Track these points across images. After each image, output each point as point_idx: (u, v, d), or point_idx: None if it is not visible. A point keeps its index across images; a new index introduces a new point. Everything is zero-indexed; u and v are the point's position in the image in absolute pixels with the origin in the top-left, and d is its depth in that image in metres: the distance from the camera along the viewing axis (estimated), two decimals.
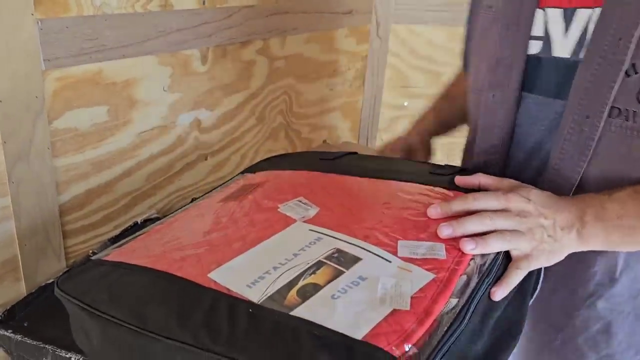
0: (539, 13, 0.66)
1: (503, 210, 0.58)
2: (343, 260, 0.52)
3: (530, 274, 0.61)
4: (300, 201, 0.66)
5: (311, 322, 0.44)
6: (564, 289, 0.69)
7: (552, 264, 0.59)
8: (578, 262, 0.65)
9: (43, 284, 0.83)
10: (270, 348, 0.43)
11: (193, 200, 0.77)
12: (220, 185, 0.79)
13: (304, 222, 0.61)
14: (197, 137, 1.08)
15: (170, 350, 0.46)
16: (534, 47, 0.67)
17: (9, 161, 0.76)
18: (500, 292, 0.55)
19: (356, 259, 0.52)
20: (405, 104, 1.62)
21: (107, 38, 0.85)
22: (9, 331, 0.74)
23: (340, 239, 0.56)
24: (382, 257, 0.53)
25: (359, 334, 0.43)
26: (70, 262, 0.90)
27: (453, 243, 0.55)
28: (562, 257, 0.59)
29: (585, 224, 0.58)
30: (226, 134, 1.16)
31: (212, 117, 1.10)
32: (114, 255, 0.61)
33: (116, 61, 0.88)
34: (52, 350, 0.69)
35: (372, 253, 0.53)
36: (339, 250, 0.54)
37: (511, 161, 0.71)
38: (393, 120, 1.67)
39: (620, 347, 0.69)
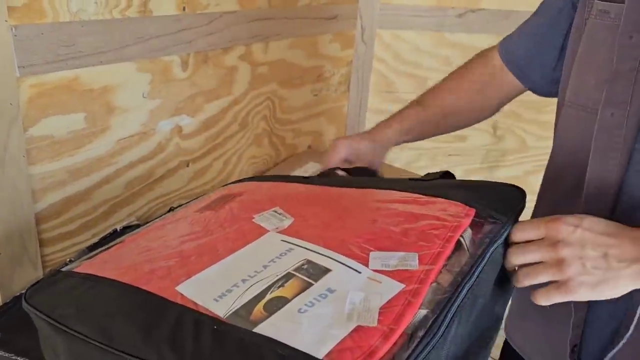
0: None
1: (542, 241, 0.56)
2: (312, 272, 0.52)
3: (505, 276, 0.61)
4: (275, 211, 0.66)
5: (275, 340, 0.44)
6: None
7: (602, 297, 0.55)
8: None
9: (18, 294, 0.81)
10: None
11: (171, 209, 0.77)
12: (199, 197, 0.79)
13: (278, 232, 0.61)
14: (178, 144, 1.07)
15: None
16: None
17: None
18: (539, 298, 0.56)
19: (326, 270, 0.52)
20: (390, 108, 1.62)
21: (84, 44, 0.84)
22: None
23: (311, 250, 0.56)
24: (353, 268, 0.52)
25: (322, 352, 0.42)
26: (47, 270, 0.89)
27: (427, 252, 0.54)
28: (618, 292, 0.55)
29: None
30: (208, 141, 1.15)
31: (194, 123, 1.10)
32: (84, 267, 0.61)
33: (93, 68, 0.87)
34: None
35: (343, 264, 0.53)
36: (309, 262, 0.53)
37: (623, 192, 0.63)
38: None
39: None
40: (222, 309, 0.48)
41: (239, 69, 1.17)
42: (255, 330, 0.45)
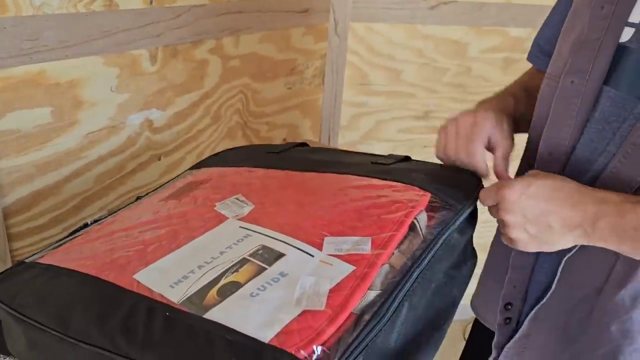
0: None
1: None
2: (267, 257, 0.53)
3: (461, 261, 0.62)
4: (237, 199, 0.67)
5: (223, 325, 0.45)
6: (586, 304, 0.67)
7: (545, 250, 0.61)
8: (608, 281, 0.64)
9: None
10: (183, 352, 0.43)
11: (138, 198, 0.77)
12: (167, 182, 0.79)
13: (237, 219, 0.62)
14: (148, 137, 1.08)
15: (90, 355, 0.47)
16: (625, 35, 0.60)
17: None
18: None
19: (280, 255, 0.53)
20: (365, 101, 1.63)
21: (49, 38, 0.84)
22: None
23: (267, 235, 0.57)
24: (306, 252, 0.53)
25: (268, 336, 0.43)
26: None
27: (380, 235, 0.56)
28: (557, 249, 0.60)
29: (596, 229, 0.56)
30: (180, 134, 1.15)
31: (164, 117, 1.10)
32: (47, 257, 0.61)
33: (59, 62, 0.87)
34: None
35: (297, 248, 0.54)
36: (264, 247, 0.55)
37: (573, 158, 0.65)
38: (354, 117, 1.68)
39: None
40: (176, 296, 0.49)
41: (209, 62, 1.18)
42: (207, 315, 0.46)
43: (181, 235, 0.59)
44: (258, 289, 0.49)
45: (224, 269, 0.52)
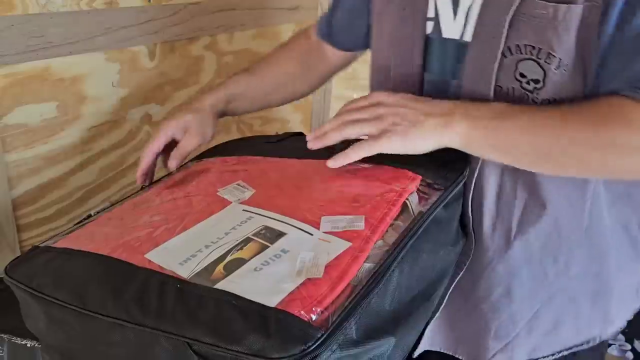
0: None
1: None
2: (269, 236, 0.57)
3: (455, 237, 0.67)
4: (238, 184, 0.71)
5: (231, 293, 0.49)
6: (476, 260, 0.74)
7: (415, 148, 0.65)
8: (479, 225, 0.72)
9: None
10: (194, 318, 0.47)
11: (142, 188, 0.81)
12: (168, 174, 0.83)
13: (240, 203, 0.66)
14: (148, 132, 1.11)
15: (108, 326, 0.51)
16: (429, 28, 0.72)
17: None
18: (332, 162, 0.67)
19: (281, 234, 0.57)
20: (355, 95, 1.68)
21: (54, 35, 0.88)
22: None
23: (269, 217, 0.61)
24: (305, 231, 0.58)
25: (273, 302, 0.47)
26: None
27: (374, 214, 0.60)
28: (426, 143, 0.65)
29: (453, 116, 0.64)
30: None
31: (163, 111, 1.14)
32: (60, 242, 0.65)
33: (63, 58, 0.91)
34: (7, 338, 0.72)
35: (297, 228, 0.58)
36: (266, 227, 0.59)
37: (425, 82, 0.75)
38: None
39: (520, 307, 0.75)
40: (186, 272, 0.53)
41: (205, 58, 1.21)
42: (215, 287, 0.50)
43: (187, 219, 0.63)
44: (262, 263, 0.53)
45: (229, 247, 0.56)
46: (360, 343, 0.49)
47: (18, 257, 0.64)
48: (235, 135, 1.39)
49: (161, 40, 1.08)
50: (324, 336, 0.44)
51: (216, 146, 0.93)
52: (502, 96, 0.66)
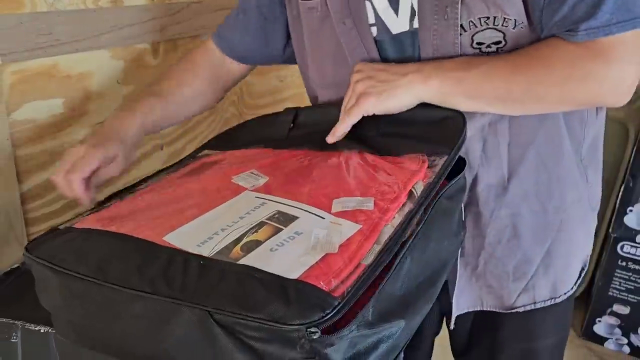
0: (367, 5, 0.75)
1: None
2: (282, 220, 0.59)
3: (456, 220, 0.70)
4: (252, 172, 0.73)
5: (252, 267, 0.51)
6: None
7: (393, 105, 0.71)
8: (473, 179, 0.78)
9: (8, 269, 0.87)
10: (217, 290, 0.49)
11: (159, 172, 0.82)
12: (183, 160, 0.85)
13: (253, 190, 0.68)
14: None
15: (130, 298, 0.52)
16: (374, 32, 0.76)
17: None
18: (330, 138, 0.74)
19: (294, 218, 0.60)
20: None
21: (61, 33, 0.90)
22: None
23: (281, 203, 0.63)
24: (317, 215, 0.60)
25: (293, 275, 0.50)
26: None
27: (382, 197, 0.62)
28: (402, 100, 0.71)
29: (424, 72, 0.70)
30: (180, 125, 1.21)
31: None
32: (78, 224, 0.67)
33: (70, 55, 0.93)
34: (21, 325, 0.74)
35: (308, 212, 0.61)
36: (279, 212, 0.61)
37: None
38: None
39: (530, 245, 0.80)
40: (204, 251, 0.55)
41: None
42: (237, 262, 0.53)
43: (202, 206, 0.65)
44: (277, 244, 0.55)
45: (244, 230, 0.58)
46: (374, 325, 0.51)
47: (37, 237, 0.65)
48: None
49: (164, 38, 1.10)
50: (341, 304, 0.46)
51: (220, 135, 0.94)
52: None
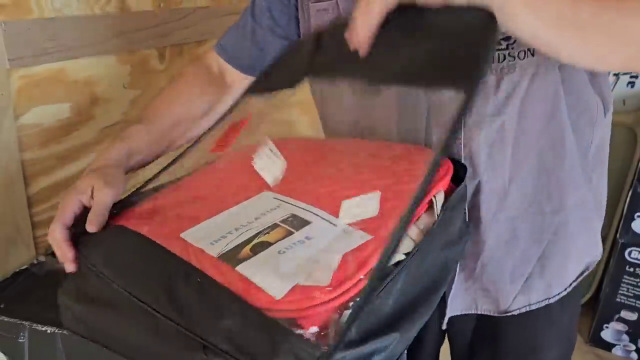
0: None
1: None
2: (295, 224, 0.60)
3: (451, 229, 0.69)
4: (270, 149, 0.74)
5: (238, 297, 0.50)
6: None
7: None
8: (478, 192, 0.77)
9: (18, 270, 0.87)
10: (215, 323, 0.50)
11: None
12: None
13: (272, 191, 0.70)
14: None
15: (138, 311, 0.54)
16: None
17: None
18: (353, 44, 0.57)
19: (306, 222, 0.61)
20: None
21: (68, 38, 0.91)
22: None
23: (297, 206, 0.64)
24: (329, 222, 0.61)
25: (279, 295, 0.50)
26: (40, 251, 0.95)
27: (400, 208, 0.60)
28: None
29: None
30: None
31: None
32: (115, 219, 0.68)
33: (77, 60, 0.94)
34: (28, 325, 0.75)
35: (322, 218, 0.62)
36: (293, 215, 0.62)
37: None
38: None
39: (528, 245, 0.80)
40: (215, 250, 0.57)
41: None
42: (238, 268, 0.53)
43: (224, 202, 0.68)
44: (286, 248, 0.56)
45: (257, 231, 0.59)
46: (362, 342, 0.50)
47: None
48: (241, 135, 1.41)
49: (170, 43, 1.11)
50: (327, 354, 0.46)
51: (258, 78, 0.85)
52: None
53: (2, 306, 0.81)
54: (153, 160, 0.83)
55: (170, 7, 1.09)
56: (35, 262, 0.86)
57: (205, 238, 0.59)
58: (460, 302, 0.85)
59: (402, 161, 0.72)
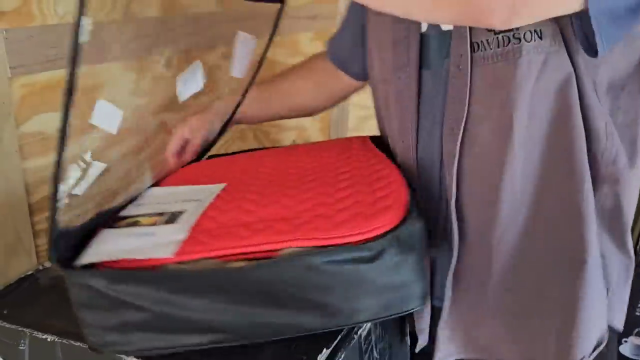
0: None
1: None
2: (169, 219, 0.71)
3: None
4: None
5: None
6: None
7: None
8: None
9: (23, 276, 0.86)
10: None
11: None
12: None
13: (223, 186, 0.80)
14: (165, 139, 1.12)
15: None
16: (424, 27, 0.73)
17: None
18: None
19: (171, 221, 0.71)
20: (372, 103, 1.68)
21: None
22: None
23: (199, 209, 0.73)
24: (179, 231, 0.68)
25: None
26: (41, 260, 0.94)
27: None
28: None
29: None
30: None
31: (180, 120, 1.15)
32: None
33: (80, 68, 0.92)
34: (29, 332, 0.74)
35: (183, 222, 0.70)
36: (181, 213, 0.72)
37: (420, 132, 0.77)
38: (361, 120, 1.72)
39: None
40: (129, 211, 0.77)
41: (222, 67, 1.22)
42: (104, 230, 0.70)
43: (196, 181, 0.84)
44: (137, 233, 0.68)
45: (151, 211, 0.74)
46: None
47: None
48: (252, 142, 1.40)
49: (178, 49, 1.10)
50: None
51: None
52: (479, 53, 0.68)
53: (5, 312, 0.81)
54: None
55: (177, 13, 1.07)
56: (40, 268, 0.85)
57: (150, 199, 0.80)
58: (461, 343, 0.79)
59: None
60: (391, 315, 0.60)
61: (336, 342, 0.63)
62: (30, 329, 0.74)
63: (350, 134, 1.72)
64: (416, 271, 0.60)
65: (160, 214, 0.73)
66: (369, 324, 0.69)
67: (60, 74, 0.90)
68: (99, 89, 0.97)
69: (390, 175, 0.71)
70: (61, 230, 0.68)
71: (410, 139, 0.77)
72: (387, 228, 0.59)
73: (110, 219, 0.73)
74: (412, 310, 0.61)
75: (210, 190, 0.79)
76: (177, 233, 0.66)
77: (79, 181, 0.71)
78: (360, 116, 1.72)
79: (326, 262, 0.56)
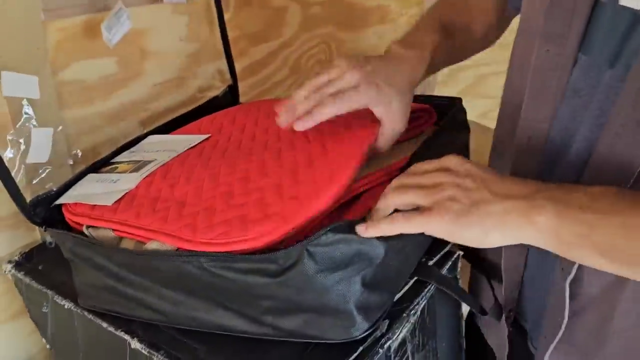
0: None
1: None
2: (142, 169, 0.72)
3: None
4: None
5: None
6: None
7: (469, 238, 0.49)
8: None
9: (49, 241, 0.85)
10: None
11: None
12: None
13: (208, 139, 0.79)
14: (219, 89, 1.05)
15: None
16: None
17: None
18: (362, 230, 0.51)
19: (138, 169, 0.73)
20: None
21: None
22: (22, 273, 0.77)
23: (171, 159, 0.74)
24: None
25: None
26: None
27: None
28: (486, 235, 0.48)
29: (535, 200, 0.47)
30: (254, 86, 1.11)
31: (237, 68, 1.06)
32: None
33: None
34: (51, 295, 0.72)
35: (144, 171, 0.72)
36: (155, 162, 0.73)
37: (549, 145, 0.59)
38: (452, 71, 1.55)
39: None
40: (124, 157, 0.79)
41: (288, 9, 1.11)
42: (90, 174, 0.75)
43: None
44: (112, 178, 0.72)
45: (137, 159, 0.76)
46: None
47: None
48: None
49: None
50: None
51: None
52: None
53: (40, 268, 0.79)
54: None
55: None
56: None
57: (144, 146, 0.82)
58: None
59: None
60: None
61: (356, 354, 0.54)
62: (53, 292, 0.72)
63: (439, 88, 1.56)
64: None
65: (137, 162, 0.75)
66: (402, 333, 0.58)
67: (100, 17, 0.83)
68: (146, 34, 0.89)
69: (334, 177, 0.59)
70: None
71: (540, 141, 0.59)
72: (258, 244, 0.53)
73: (101, 163, 0.78)
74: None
75: (190, 141, 0.78)
76: (128, 182, 0.69)
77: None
78: (450, 68, 1.54)
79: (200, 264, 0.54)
